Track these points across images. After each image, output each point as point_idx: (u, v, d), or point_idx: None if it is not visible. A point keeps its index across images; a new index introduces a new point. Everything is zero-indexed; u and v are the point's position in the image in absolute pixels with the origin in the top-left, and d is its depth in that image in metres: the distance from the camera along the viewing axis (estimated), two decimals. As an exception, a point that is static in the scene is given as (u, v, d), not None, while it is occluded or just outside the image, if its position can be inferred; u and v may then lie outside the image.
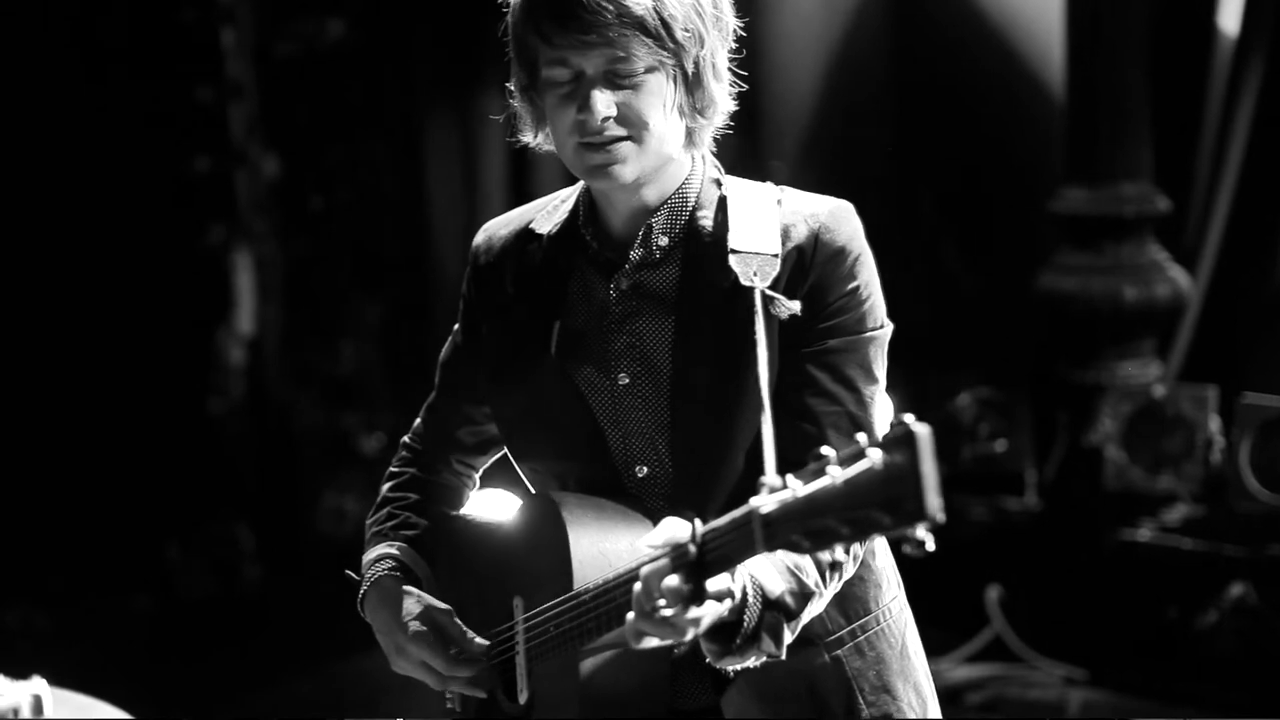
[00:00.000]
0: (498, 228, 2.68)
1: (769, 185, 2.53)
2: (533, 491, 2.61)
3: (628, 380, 2.48)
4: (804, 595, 2.30)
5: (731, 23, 2.46)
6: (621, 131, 2.40)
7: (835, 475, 1.97)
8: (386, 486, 2.78)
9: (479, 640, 2.56)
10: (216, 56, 6.88)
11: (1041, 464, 5.96)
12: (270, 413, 7.03)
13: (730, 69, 2.46)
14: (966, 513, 5.95)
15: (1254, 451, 5.40)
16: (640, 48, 2.36)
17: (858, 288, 2.44)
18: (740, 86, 2.48)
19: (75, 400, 6.52)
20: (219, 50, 6.88)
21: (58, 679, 3.45)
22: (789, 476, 2.03)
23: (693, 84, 2.41)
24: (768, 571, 2.27)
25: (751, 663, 2.28)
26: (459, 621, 2.57)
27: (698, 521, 2.16)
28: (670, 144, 2.43)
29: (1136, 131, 5.89)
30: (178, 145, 6.84)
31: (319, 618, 6.35)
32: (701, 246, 2.47)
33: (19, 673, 3.38)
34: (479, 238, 2.69)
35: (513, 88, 2.50)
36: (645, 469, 2.49)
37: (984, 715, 5.54)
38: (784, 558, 2.30)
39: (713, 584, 2.16)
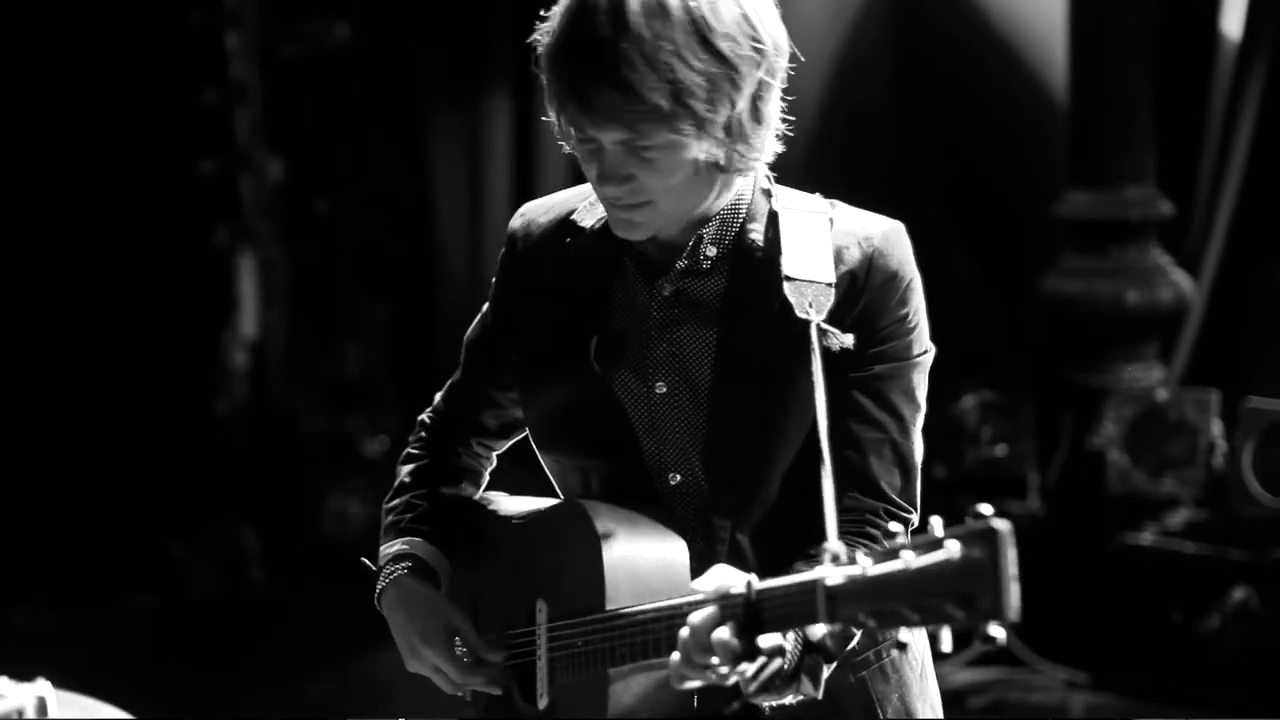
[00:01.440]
0: (537, 214, 2.60)
1: (819, 199, 2.48)
2: (554, 483, 2.59)
3: (665, 389, 2.45)
4: (845, 637, 2.25)
5: (782, 58, 2.38)
6: (638, 199, 2.35)
7: (909, 560, 1.94)
8: (405, 470, 2.73)
9: (493, 648, 2.54)
10: (221, 59, 6.88)
11: (1044, 467, 5.96)
12: (274, 415, 7.04)
13: (781, 97, 2.39)
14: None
15: (1257, 455, 5.40)
16: (655, 129, 2.28)
17: (907, 314, 2.42)
18: (789, 120, 2.41)
19: (80, 402, 6.52)
20: (224, 53, 6.88)
21: (62, 680, 3.45)
22: (859, 553, 2.01)
23: (725, 142, 2.33)
24: None
25: (789, 701, 2.27)
26: (474, 628, 2.55)
27: (753, 578, 2.13)
28: (698, 196, 2.38)
29: (1140, 135, 5.89)
30: (182, 148, 6.84)
31: (323, 619, 6.36)
32: (750, 261, 2.43)
33: (23, 674, 3.38)
34: (517, 221, 2.62)
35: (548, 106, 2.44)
36: (679, 477, 2.46)
37: (986, 719, 5.54)
38: None
39: (764, 640, 2.14)
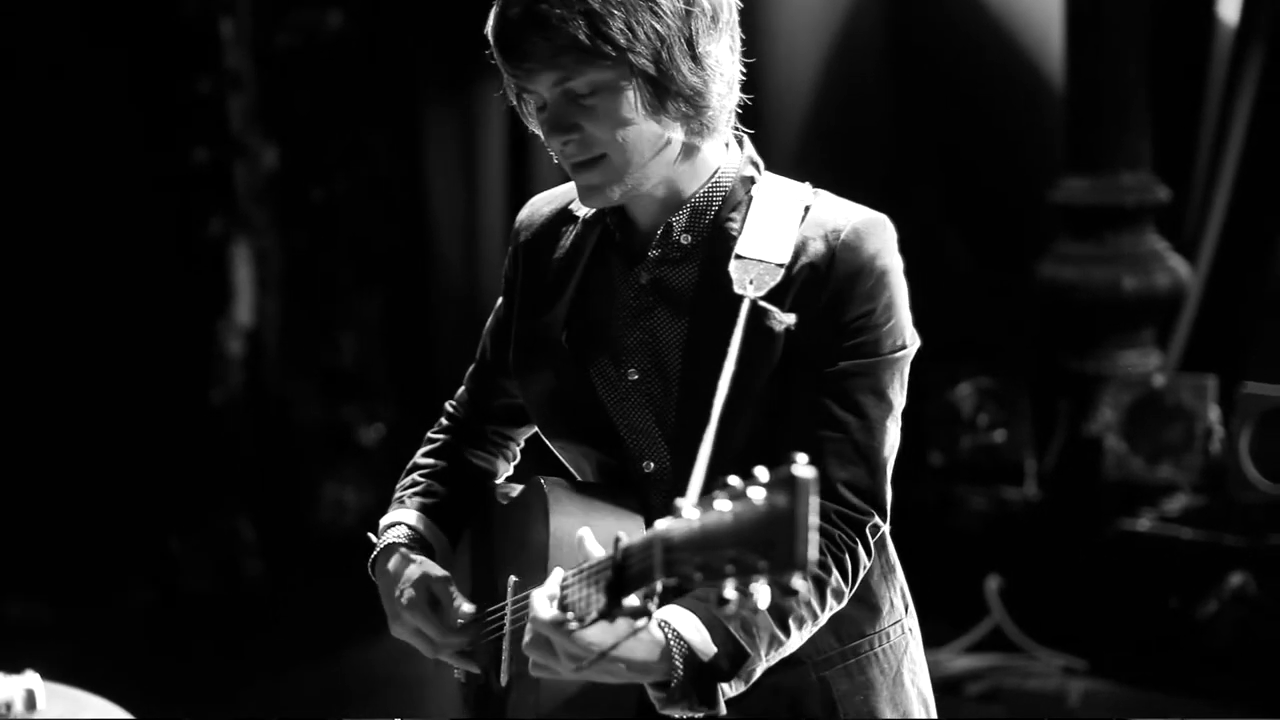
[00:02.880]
0: (541, 204, 2.65)
1: (805, 189, 2.45)
2: (565, 469, 2.60)
3: (637, 376, 2.46)
4: (739, 656, 2.24)
5: (725, 7, 2.37)
6: (592, 152, 2.38)
7: (723, 509, 1.91)
8: (420, 452, 2.77)
9: (467, 608, 2.54)
10: (216, 48, 6.86)
11: (1041, 454, 5.96)
12: (270, 405, 7.03)
13: (731, 47, 2.39)
14: (966, 503, 5.95)
15: (1254, 441, 5.40)
16: (581, 66, 2.32)
17: (874, 310, 2.36)
18: (746, 61, 2.41)
19: (75, 393, 6.51)
20: (218, 41, 6.87)
21: (56, 673, 3.44)
22: (686, 505, 1.98)
23: (659, 82, 2.33)
24: (694, 628, 2.24)
25: (700, 715, 2.24)
26: (454, 590, 2.55)
27: (623, 535, 2.10)
28: (649, 149, 2.38)
29: (1136, 121, 5.88)
30: (177, 137, 6.83)
31: (320, 610, 6.36)
32: (724, 248, 2.41)
33: (12, 667, 3.37)
34: (523, 212, 2.67)
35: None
36: (652, 464, 2.46)
37: (984, 705, 5.54)
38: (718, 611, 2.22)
39: (627, 601, 2.09)
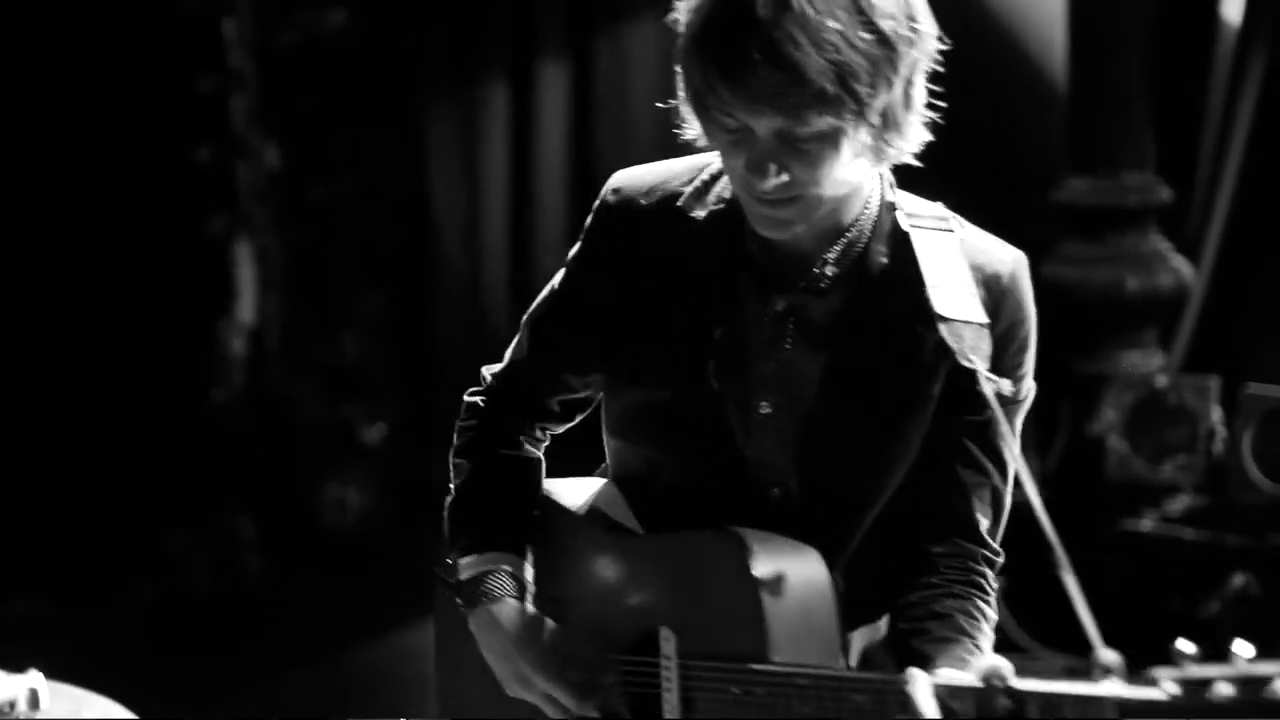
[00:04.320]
0: (636, 192, 2.42)
1: (943, 213, 2.38)
2: (610, 459, 2.50)
3: (769, 410, 2.35)
4: None
5: (934, 40, 2.25)
6: (793, 193, 2.22)
7: (1223, 690, 1.85)
8: (469, 465, 2.58)
9: (608, 672, 2.44)
10: (218, 46, 6.86)
11: (1044, 454, 5.95)
12: (271, 403, 7.02)
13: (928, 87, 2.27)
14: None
15: (1256, 442, 5.39)
16: (816, 115, 2.14)
17: (1025, 359, 2.35)
18: (938, 106, 2.29)
19: (76, 391, 6.50)
20: (220, 40, 6.86)
21: (58, 672, 3.43)
22: (1162, 676, 1.88)
23: (880, 130, 2.21)
24: None
25: None
26: (577, 649, 2.46)
27: (1014, 679, 2.04)
28: (851, 186, 2.27)
29: (1139, 121, 5.88)
30: (179, 135, 6.82)
31: (322, 609, 6.36)
32: (871, 283, 2.33)
33: (16, 665, 3.36)
34: (612, 197, 2.44)
35: (681, 87, 2.26)
36: (777, 490, 2.37)
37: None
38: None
39: None
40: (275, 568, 6.80)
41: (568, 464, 2.67)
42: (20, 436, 6.42)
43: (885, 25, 2.15)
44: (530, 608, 2.50)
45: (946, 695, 2.07)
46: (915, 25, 2.19)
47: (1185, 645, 1.90)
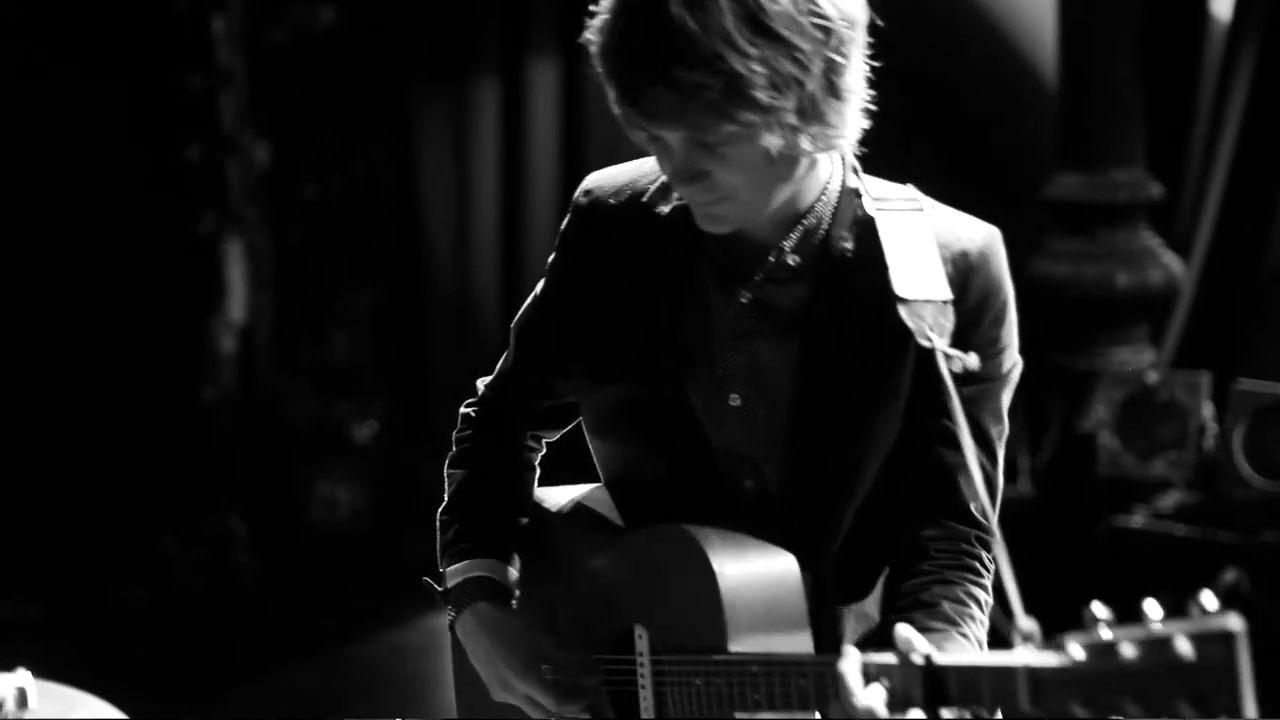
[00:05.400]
0: (605, 191, 2.45)
1: (912, 195, 2.36)
2: (598, 464, 2.50)
3: (739, 403, 2.35)
4: None
5: (857, 29, 2.20)
6: (718, 194, 2.23)
7: (1127, 654, 1.89)
8: (461, 474, 2.60)
9: (589, 672, 2.44)
10: (207, 44, 6.85)
11: (1034, 450, 5.95)
12: (262, 402, 7.02)
13: (863, 64, 2.22)
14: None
15: (1247, 437, 5.39)
16: (716, 122, 2.14)
17: (1001, 332, 2.33)
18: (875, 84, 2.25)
19: (66, 391, 6.50)
20: (210, 38, 6.85)
21: (47, 671, 3.43)
22: (1070, 641, 1.92)
23: (802, 125, 2.17)
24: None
25: None
26: (560, 653, 2.46)
27: (932, 650, 2.05)
28: (781, 182, 2.26)
29: (1129, 117, 5.88)
30: (168, 134, 6.82)
31: (313, 608, 6.36)
32: (836, 269, 2.32)
33: (4, 665, 3.36)
34: (583, 199, 2.47)
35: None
36: (750, 482, 2.37)
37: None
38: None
39: (946, 713, 2.03)
40: (266, 566, 6.80)
41: (582, 470, 2.67)
42: (10, 435, 6.41)
43: (779, 27, 2.13)
44: (511, 612, 2.51)
45: (875, 672, 2.09)
46: (822, 21, 2.15)
47: (1098, 608, 1.93)
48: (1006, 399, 2.38)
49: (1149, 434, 5.68)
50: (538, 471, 2.65)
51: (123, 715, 3.39)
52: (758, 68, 2.12)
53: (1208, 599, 1.88)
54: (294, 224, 7.08)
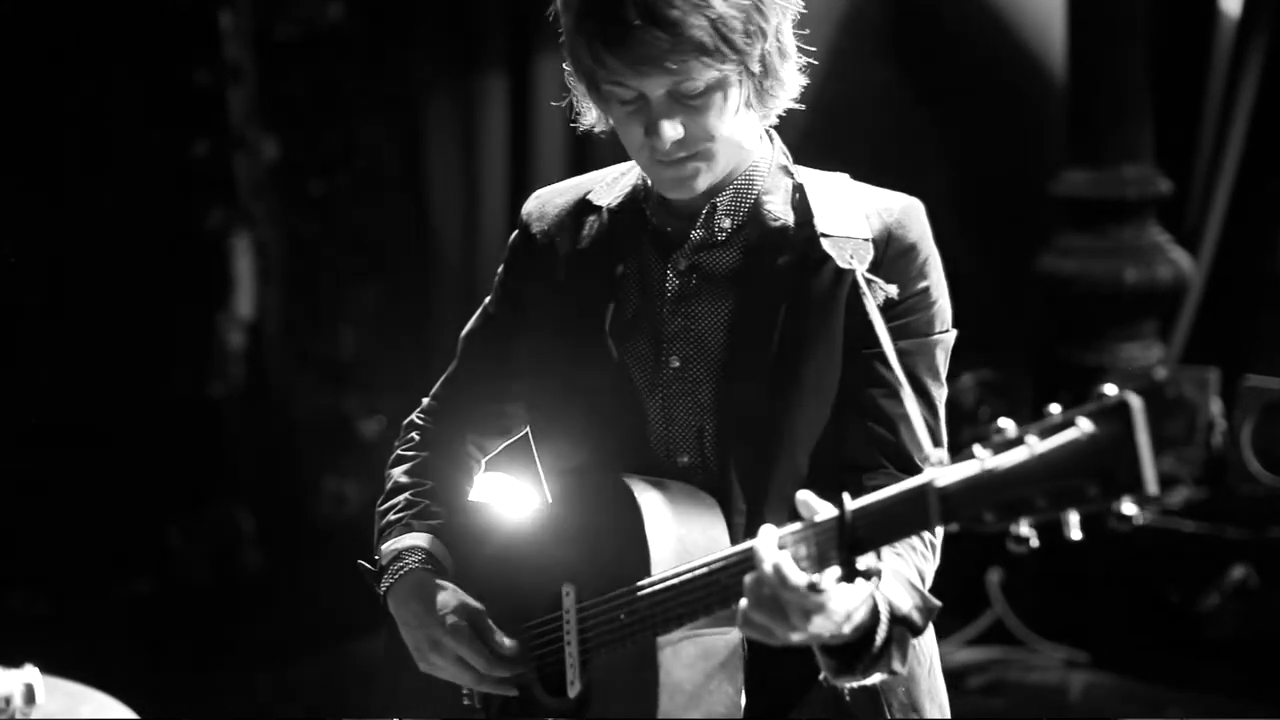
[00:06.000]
0: (552, 196, 2.59)
1: (842, 176, 2.48)
2: (541, 475, 2.54)
3: (679, 364, 2.42)
4: (928, 610, 2.22)
5: None
6: (692, 150, 2.35)
7: (1033, 445, 1.90)
8: (399, 470, 2.67)
9: (509, 642, 2.47)
10: (215, 39, 6.85)
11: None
12: (270, 396, 7.02)
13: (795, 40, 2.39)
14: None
15: (1256, 433, 5.39)
16: (700, 68, 2.28)
17: (928, 288, 2.40)
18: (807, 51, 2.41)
19: (75, 385, 6.50)
20: (218, 33, 6.85)
21: (54, 666, 3.43)
22: (976, 447, 1.95)
23: (761, 78, 2.35)
24: (895, 587, 2.20)
25: (874, 680, 2.21)
26: (491, 621, 2.49)
27: (846, 497, 2.07)
28: (743, 140, 2.40)
29: (1138, 113, 5.88)
30: (177, 129, 6.82)
31: (320, 602, 6.35)
32: (766, 231, 2.41)
33: (12, 660, 3.36)
34: (530, 205, 2.60)
35: (570, 79, 2.42)
36: (686, 458, 2.42)
37: (985, 698, 5.54)
38: (906, 571, 2.24)
39: (861, 561, 2.07)
40: (273, 560, 6.80)
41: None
42: (18, 430, 6.42)
43: None
44: (445, 577, 2.54)
45: (789, 542, 2.11)
46: None
47: (1006, 423, 1.95)
48: (943, 362, 2.42)
49: (1157, 430, 5.66)
50: (476, 476, 2.71)
51: (129, 712, 3.39)
52: (736, 14, 2.27)
53: (1108, 389, 1.89)
54: (302, 219, 7.08)
